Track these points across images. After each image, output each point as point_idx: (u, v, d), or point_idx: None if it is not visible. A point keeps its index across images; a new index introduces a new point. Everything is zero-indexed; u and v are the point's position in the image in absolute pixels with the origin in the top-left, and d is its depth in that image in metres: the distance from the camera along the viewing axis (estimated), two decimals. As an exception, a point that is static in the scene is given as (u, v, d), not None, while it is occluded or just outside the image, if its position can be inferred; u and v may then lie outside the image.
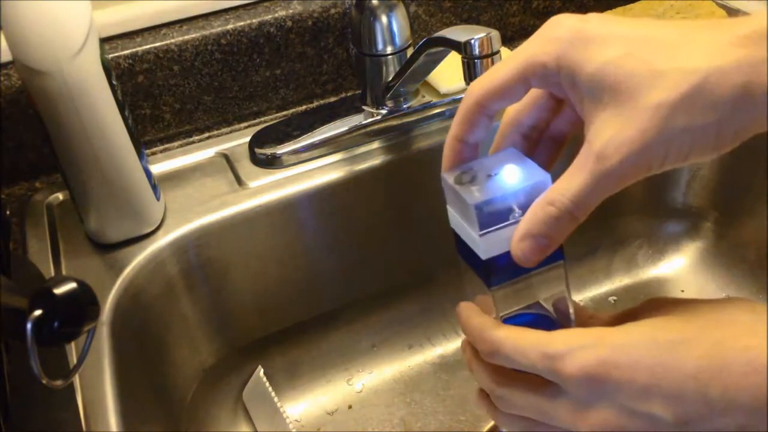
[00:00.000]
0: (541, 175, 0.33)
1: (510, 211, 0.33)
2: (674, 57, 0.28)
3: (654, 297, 0.36)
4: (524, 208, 0.32)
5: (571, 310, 0.37)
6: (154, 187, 0.59)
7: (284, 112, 0.72)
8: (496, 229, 0.33)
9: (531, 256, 0.32)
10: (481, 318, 0.36)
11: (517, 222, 0.33)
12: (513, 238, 0.32)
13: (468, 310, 0.37)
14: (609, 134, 0.29)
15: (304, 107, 0.73)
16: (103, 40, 0.53)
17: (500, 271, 0.34)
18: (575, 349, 0.31)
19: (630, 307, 0.37)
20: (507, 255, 0.33)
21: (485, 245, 0.33)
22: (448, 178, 0.37)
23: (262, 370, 0.66)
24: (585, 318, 0.38)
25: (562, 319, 0.37)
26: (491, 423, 0.65)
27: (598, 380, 0.30)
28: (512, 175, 0.33)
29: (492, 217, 0.33)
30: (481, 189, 0.34)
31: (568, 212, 0.31)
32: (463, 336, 0.38)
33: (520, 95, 0.34)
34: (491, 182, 0.34)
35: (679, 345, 0.29)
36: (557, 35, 0.31)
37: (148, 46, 0.64)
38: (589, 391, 0.31)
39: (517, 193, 0.33)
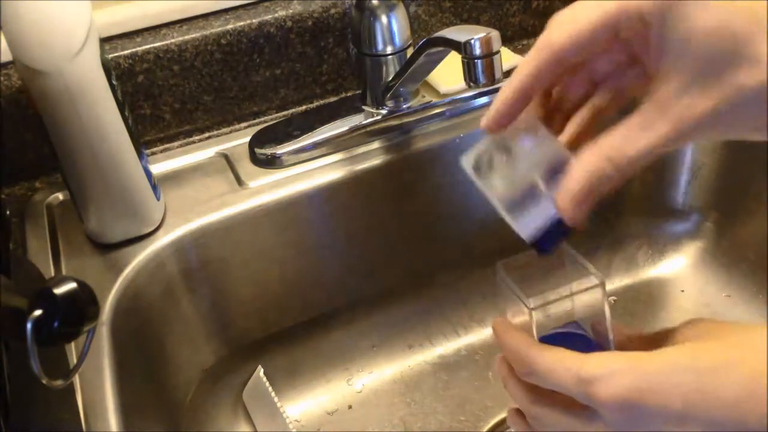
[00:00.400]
0: (557, 147, 0.32)
1: (534, 188, 0.32)
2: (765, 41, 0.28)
3: (694, 318, 0.35)
4: (547, 180, 0.32)
5: (611, 333, 0.36)
6: (154, 187, 0.59)
7: (284, 112, 0.72)
8: (528, 211, 0.32)
9: (579, 211, 0.31)
10: (518, 335, 0.35)
11: (545, 196, 0.32)
12: (560, 195, 0.32)
13: (504, 326, 0.36)
14: (688, 102, 0.29)
15: (304, 107, 0.73)
16: (103, 40, 0.53)
17: (548, 238, 0.34)
18: (610, 373, 0.31)
19: (666, 327, 0.36)
20: (550, 224, 0.33)
21: (524, 228, 0.33)
22: (467, 166, 0.35)
23: (262, 370, 0.66)
24: (623, 339, 0.37)
25: (600, 341, 0.37)
26: (491, 423, 0.65)
27: (633, 406, 0.30)
28: (530, 148, 0.33)
29: (518, 204, 0.32)
30: (502, 177, 0.33)
31: (622, 170, 0.30)
32: (498, 353, 0.37)
33: (602, 47, 0.32)
34: (510, 163, 0.33)
35: (719, 371, 0.29)
36: None
37: (148, 46, 0.64)
38: (623, 416, 0.31)
39: (538, 166, 0.32)
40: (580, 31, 0.31)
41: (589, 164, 0.31)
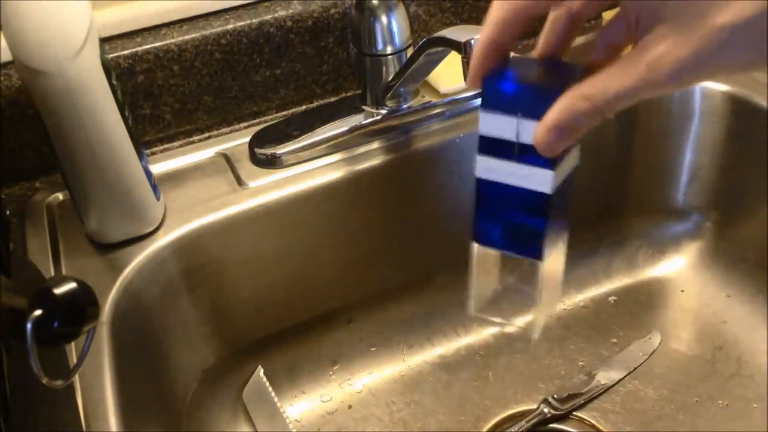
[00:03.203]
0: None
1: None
2: None
3: None
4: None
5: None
6: (154, 187, 0.59)
7: (284, 112, 0.72)
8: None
9: (555, 145, 0.32)
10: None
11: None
12: (538, 127, 0.32)
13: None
14: (665, 47, 0.30)
15: (304, 107, 0.73)
16: (103, 40, 0.53)
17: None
18: None
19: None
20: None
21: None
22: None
23: (262, 370, 0.66)
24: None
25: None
26: (491, 423, 0.65)
27: None
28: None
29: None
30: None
31: (600, 110, 0.31)
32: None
33: None
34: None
35: None
36: None
37: (148, 46, 0.64)
38: None
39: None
40: None
41: (568, 101, 0.32)
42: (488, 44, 0.36)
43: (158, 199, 0.59)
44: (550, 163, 0.34)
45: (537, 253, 0.36)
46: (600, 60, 0.36)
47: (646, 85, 0.30)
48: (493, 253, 0.39)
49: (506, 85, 0.35)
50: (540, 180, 0.34)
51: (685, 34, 0.29)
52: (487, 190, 0.36)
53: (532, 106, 0.33)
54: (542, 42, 0.39)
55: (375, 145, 0.67)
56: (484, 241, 0.37)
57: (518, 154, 0.34)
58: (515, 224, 0.36)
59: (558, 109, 0.32)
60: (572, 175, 0.37)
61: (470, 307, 0.39)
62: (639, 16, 0.32)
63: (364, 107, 0.68)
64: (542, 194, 0.34)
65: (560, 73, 0.37)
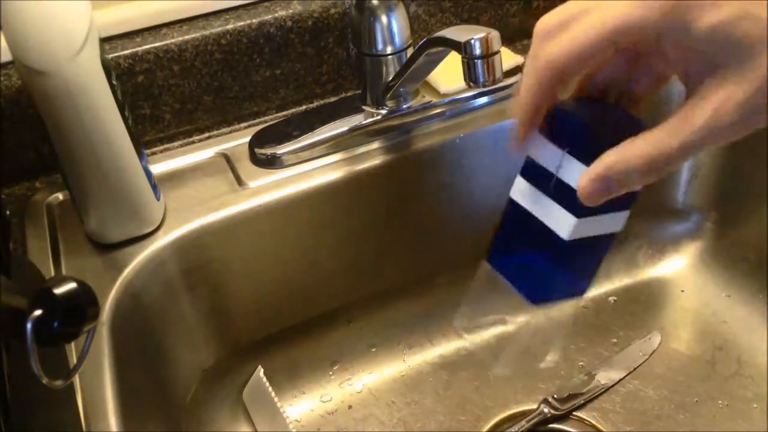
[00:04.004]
0: None
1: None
2: None
3: None
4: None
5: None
6: (154, 187, 0.59)
7: (284, 112, 0.72)
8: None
9: (597, 196, 0.31)
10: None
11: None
12: (586, 172, 0.31)
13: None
14: (725, 93, 0.29)
15: (304, 107, 0.73)
16: (103, 40, 0.53)
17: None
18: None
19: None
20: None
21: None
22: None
23: (262, 370, 0.66)
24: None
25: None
26: (491, 423, 0.65)
27: None
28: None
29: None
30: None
31: (656, 169, 0.30)
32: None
33: (604, 59, 0.32)
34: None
35: None
36: None
37: (148, 46, 0.64)
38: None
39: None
40: (576, 46, 0.31)
41: (623, 154, 0.31)
42: (529, 108, 0.34)
43: (158, 199, 0.59)
44: (578, 210, 0.32)
45: (534, 297, 0.35)
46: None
47: (710, 134, 0.29)
48: (497, 278, 0.37)
49: (567, 118, 0.33)
50: (562, 223, 0.33)
51: (741, 75, 0.29)
52: (514, 213, 0.34)
53: (582, 146, 0.32)
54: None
55: (375, 145, 0.67)
56: (495, 265, 0.36)
57: (553, 190, 0.33)
58: (527, 259, 0.35)
59: (610, 161, 0.31)
60: (608, 240, 0.35)
61: (456, 320, 0.38)
62: (688, 67, 0.31)
63: (364, 107, 0.68)
64: (559, 238, 0.33)
65: (623, 124, 0.34)
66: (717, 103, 0.29)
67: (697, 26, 0.29)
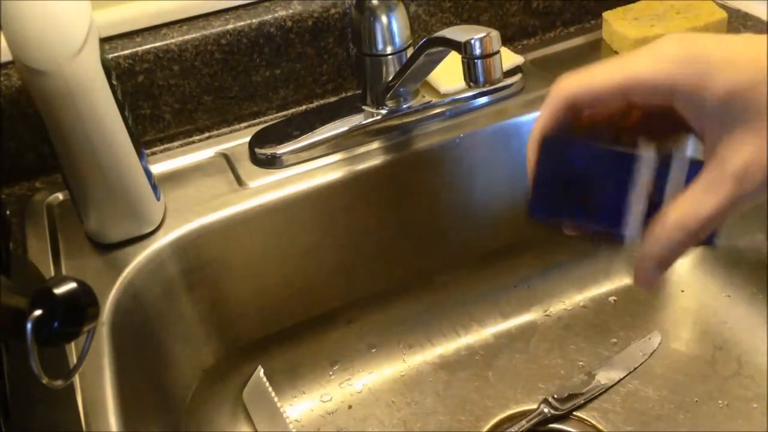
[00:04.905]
0: None
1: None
2: None
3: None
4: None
5: None
6: (154, 187, 0.59)
7: (284, 112, 0.72)
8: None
9: (655, 278, 0.33)
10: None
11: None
12: (638, 262, 0.33)
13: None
14: (747, 157, 0.29)
15: (304, 107, 0.73)
16: (103, 40, 0.53)
17: None
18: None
19: None
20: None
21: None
22: None
23: (262, 370, 0.66)
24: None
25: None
26: (491, 423, 0.65)
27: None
28: None
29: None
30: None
31: (695, 235, 0.31)
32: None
33: (614, 104, 0.33)
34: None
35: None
36: (672, 54, 0.30)
37: (148, 46, 0.64)
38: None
39: None
40: (592, 84, 0.32)
41: (662, 232, 0.32)
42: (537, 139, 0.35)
43: (158, 199, 0.59)
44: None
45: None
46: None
47: (736, 199, 0.30)
48: None
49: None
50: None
51: (763, 136, 0.29)
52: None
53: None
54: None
55: (375, 145, 0.67)
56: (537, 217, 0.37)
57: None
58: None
59: (654, 242, 0.32)
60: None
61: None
62: (703, 125, 0.31)
63: (364, 107, 0.68)
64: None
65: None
66: (739, 167, 0.29)
67: (715, 89, 0.29)
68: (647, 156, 0.33)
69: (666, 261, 0.32)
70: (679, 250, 0.31)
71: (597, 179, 0.34)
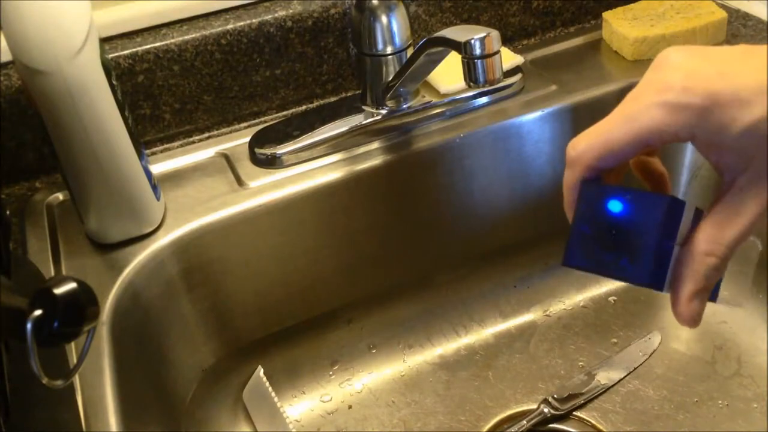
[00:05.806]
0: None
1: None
2: None
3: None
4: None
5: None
6: (154, 187, 0.59)
7: (284, 112, 0.72)
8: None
9: (701, 311, 0.34)
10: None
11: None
12: (680, 300, 0.34)
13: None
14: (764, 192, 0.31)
15: (304, 107, 0.73)
16: (103, 40, 0.53)
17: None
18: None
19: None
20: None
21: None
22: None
23: (262, 370, 0.66)
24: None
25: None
26: (491, 423, 0.65)
27: None
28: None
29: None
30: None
31: (726, 259, 0.33)
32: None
33: (634, 155, 0.34)
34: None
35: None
36: (686, 103, 0.31)
37: (148, 46, 0.64)
38: None
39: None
40: (607, 146, 0.33)
41: (694, 264, 0.33)
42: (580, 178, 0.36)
43: (158, 199, 0.59)
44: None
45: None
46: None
47: (757, 220, 0.32)
48: None
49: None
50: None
51: None
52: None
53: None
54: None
55: (375, 145, 0.67)
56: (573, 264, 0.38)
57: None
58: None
59: (690, 277, 0.33)
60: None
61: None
62: (721, 160, 0.33)
63: (364, 107, 0.68)
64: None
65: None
66: (759, 204, 0.31)
67: (730, 127, 0.30)
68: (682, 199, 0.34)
69: (705, 290, 0.34)
70: (715, 276, 0.33)
71: (635, 224, 0.34)
